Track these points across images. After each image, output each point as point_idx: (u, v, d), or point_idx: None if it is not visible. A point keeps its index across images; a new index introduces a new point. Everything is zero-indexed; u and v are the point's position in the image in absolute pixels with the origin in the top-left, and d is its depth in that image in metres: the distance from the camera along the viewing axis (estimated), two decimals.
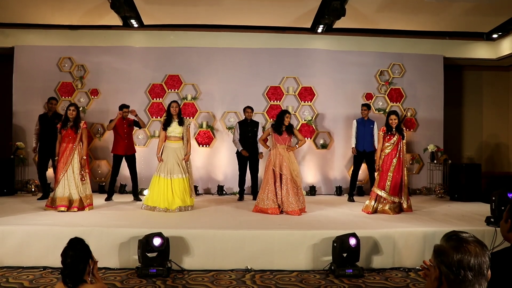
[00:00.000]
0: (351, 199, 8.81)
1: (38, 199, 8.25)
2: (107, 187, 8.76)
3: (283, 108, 9.97)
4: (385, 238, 5.72)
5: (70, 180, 7.04)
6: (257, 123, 8.99)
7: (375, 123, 9.00)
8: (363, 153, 8.88)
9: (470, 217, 6.99)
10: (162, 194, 7.22)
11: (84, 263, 2.96)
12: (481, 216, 6.57)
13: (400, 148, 7.35)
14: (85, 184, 7.17)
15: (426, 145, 10.01)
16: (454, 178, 9.30)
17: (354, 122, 9.10)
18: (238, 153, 8.88)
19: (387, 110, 10.20)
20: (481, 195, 8.83)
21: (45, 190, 8.39)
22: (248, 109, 8.95)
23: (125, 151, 8.43)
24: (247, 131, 8.83)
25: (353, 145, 9.04)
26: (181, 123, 7.46)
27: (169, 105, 7.54)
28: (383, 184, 7.28)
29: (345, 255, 5.29)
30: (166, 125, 7.46)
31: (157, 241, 5.17)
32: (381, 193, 7.24)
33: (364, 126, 8.96)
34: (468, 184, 9.00)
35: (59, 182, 7.05)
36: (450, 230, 1.91)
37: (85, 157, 7.21)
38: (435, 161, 9.99)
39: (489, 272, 1.77)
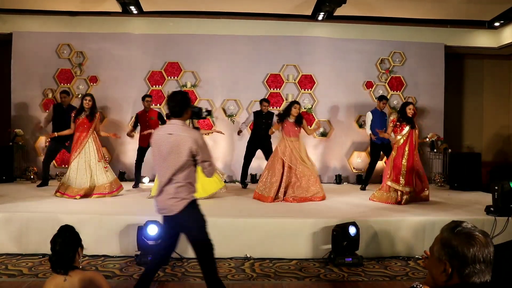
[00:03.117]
0: (363, 188, 8.67)
1: (37, 185, 8.25)
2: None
3: (283, 96, 9.98)
4: (385, 227, 5.73)
5: (87, 169, 7.08)
6: (272, 114, 8.71)
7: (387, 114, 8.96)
8: (381, 145, 8.69)
9: (470, 206, 6.98)
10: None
11: (73, 251, 2.95)
12: (481, 205, 6.56)
13: (412, 138, 7.19)
14: (108, 171, 7.32)
15: (426, 134, 9.95)
16: (454, 167, 9.28)
17: (369, 114, 8.90)
18: (249, 141, 8.76)
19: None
20: (481, 185, 8.82)
21: (46, 177, 8.34)
22: (264, 102, 8.73)
23: (147, 143, 8.45)
24: (261, 123, 8.62)
25: (369, 132, 8.80)
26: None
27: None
28: (396, 177, 7.11)
29: (344, 243, 5.29)
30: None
31: (154, 229, 5.16)
32: (395, 185, 7.11)
33: (379, 118, 8.80)
34: (468, 173, 8.97)
35: (71, 169, 7.10)
36: (451, 221, 1.89)
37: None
38: (435, 150, 9.96)
39: None
